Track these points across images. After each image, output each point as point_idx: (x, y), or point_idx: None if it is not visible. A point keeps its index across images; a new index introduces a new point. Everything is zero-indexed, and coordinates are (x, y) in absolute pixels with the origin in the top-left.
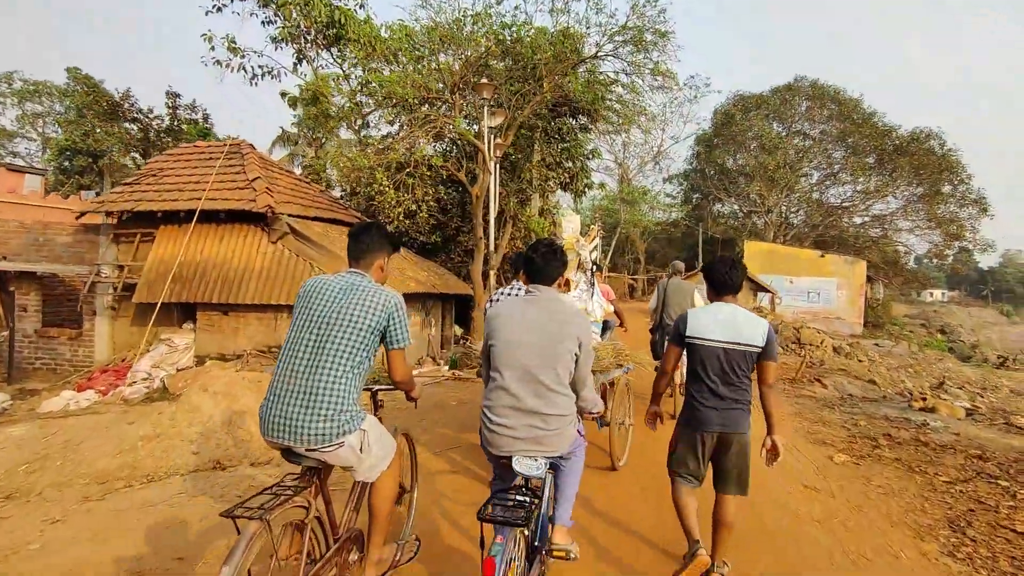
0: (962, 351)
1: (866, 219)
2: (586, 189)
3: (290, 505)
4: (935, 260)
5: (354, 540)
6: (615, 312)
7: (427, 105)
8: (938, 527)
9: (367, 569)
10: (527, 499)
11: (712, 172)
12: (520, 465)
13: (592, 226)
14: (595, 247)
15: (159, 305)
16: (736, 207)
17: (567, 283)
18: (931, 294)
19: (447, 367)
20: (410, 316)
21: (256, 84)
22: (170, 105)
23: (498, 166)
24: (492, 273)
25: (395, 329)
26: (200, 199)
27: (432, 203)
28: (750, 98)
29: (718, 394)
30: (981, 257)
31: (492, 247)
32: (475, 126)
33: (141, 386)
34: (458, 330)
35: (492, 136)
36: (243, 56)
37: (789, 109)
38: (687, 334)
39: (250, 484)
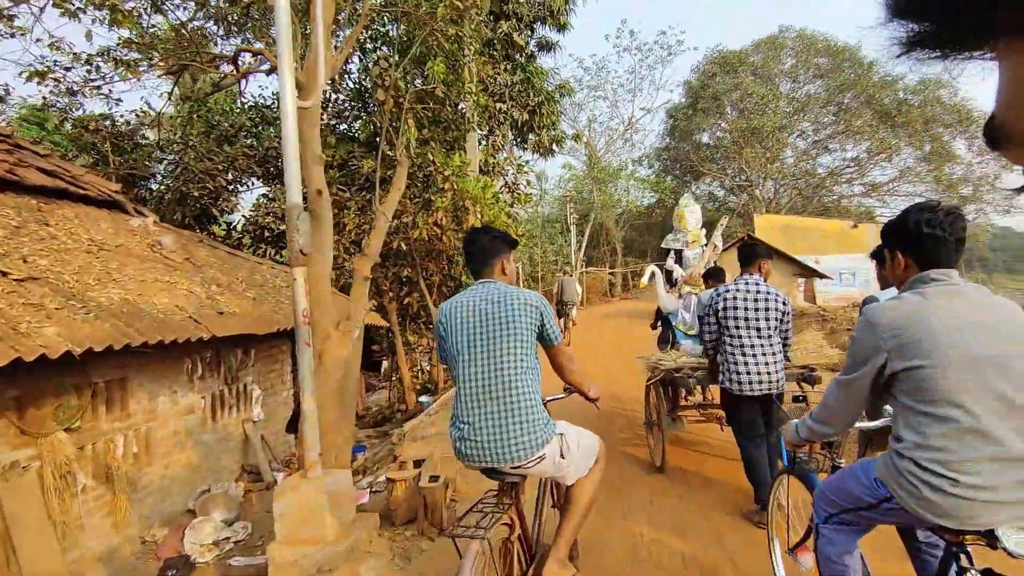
0: None
1: (862, 187)
2: (553, 145)
3: (499, 523)
4: None
5: (547, 557)
6: None
7: None
8: None
9: (548, 564)
10: None
11: (688, 148)
12: (1013, 543)
13: (723, 217)
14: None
15: None
16: (716, 185)
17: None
18: None
19: None
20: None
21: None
22: None
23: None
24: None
25: (550, 326)
26: None
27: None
28: (731, 55)
29: None
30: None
31: (298, 212)
32: None
33: None
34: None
35: None
36: None
37: (774, 65)
38: None
39: None
